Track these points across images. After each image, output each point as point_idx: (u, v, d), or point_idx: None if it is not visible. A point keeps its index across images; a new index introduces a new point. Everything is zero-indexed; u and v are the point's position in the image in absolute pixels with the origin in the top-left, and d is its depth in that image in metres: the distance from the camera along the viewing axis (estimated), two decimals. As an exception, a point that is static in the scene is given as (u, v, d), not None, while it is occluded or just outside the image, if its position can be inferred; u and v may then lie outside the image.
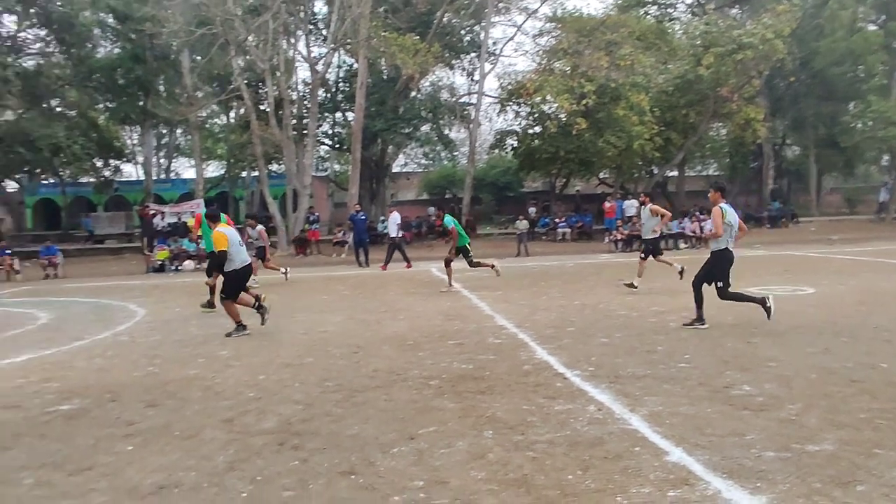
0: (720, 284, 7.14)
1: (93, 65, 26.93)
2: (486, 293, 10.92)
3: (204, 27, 23.04)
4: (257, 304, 8.08)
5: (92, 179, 35.54)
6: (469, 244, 12.13)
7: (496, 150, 33.81)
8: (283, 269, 14.02)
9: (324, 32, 28.15)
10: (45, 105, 28.83)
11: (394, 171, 37.78)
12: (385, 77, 29.00)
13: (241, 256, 8.06)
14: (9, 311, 11.14)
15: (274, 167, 33.66)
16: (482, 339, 7.05)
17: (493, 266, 12.07)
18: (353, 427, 4.28)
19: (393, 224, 17.71)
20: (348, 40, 23.72)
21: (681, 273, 10.24)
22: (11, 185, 39.83)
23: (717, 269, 7.19)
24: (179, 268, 19.08)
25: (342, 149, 33.58)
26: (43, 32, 26.29)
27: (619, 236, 21.21)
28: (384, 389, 5.16)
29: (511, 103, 28.54)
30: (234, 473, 3.59)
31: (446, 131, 32.70)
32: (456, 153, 36.90)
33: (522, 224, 22.02)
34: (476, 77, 30.12)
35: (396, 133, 27.58)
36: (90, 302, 12.08)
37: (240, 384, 5.51)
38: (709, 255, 7.37)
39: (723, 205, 7.17)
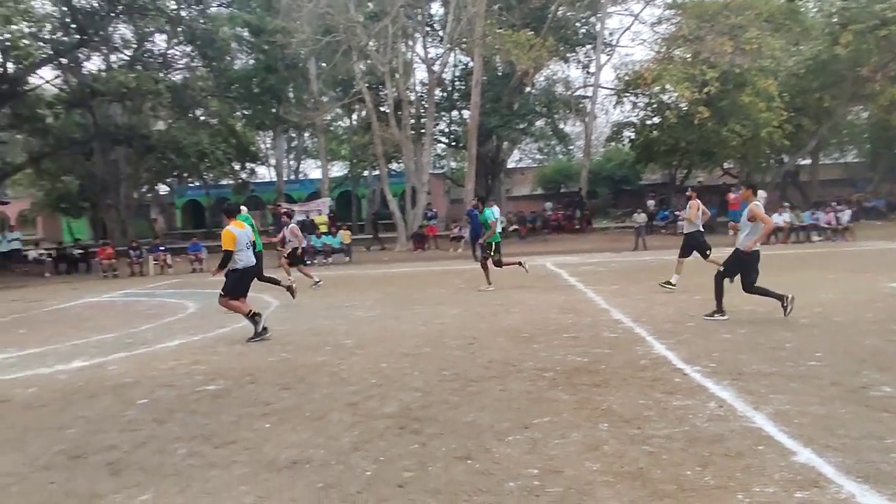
0: (750, 280, 7.19)
1: (231, 76, 29.13)
2: (602, 287, 10.75)
3: (329, 35, 24.28)
4: (251, 314, 7.76)
5: (231, 181, 38.50)
6: (498, 244, 12.09)
7: (613, 143, 32.89)
8: (315, 278, 13.28)
9: (440, 33, 28.72)
10: (191, 115, 31.56)
11: (508, 166, 37.78)
12: (500, 74, 29.10)
13: (245, 257, 7.86)
14: (163, 302, 12.37)
15: (394, 166, 34.77)
16: (597, 333, 6.99)
17: (520, 263, 12.00)
18: (469, 415, 4.42)
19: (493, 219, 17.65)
20: (464, 40, 24.05)
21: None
22: (163, 189, 44.02)
23: (748, 265, 7.23)
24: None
25: (458, 146, 34.09)
26: (188, 49, 28.75)
27: (745, 229, 19.99)
28: (499, 380, 5.27)
29: (628, 94, 27.69)
30: (359, 453, 3.83)
31: (561, 125, 32.32)
32: (571, 147, 36.37)
33: (640, 217, 21.35)
34: (592, 69, 29.54)
35: (511, 129, 27.60)
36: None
37: (363, 371, 5.83)
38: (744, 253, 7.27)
39: (758, 203, 7.19)
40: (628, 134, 29.48)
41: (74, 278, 20.65)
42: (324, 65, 28.59)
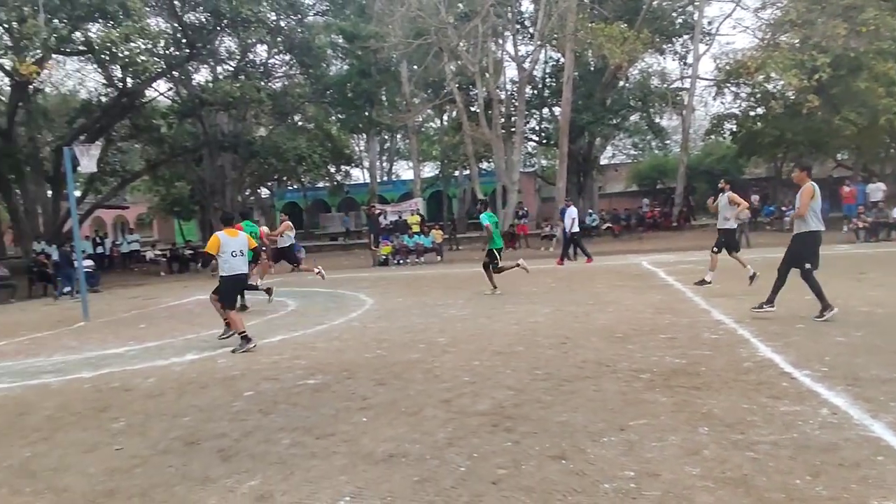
0: (808, 266, 7.01)
1: (327, 82, 30.18)
2: (702, 286, 10.31)
3: (420, 38, 24.67)
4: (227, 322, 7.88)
5: (327, 184, 39.94)
6: (501, 249, 11.78)
7: (712, 136, 31.47)
8: (316, 269, 12.85)
9: (530, 30, 28.51)
10: (289, 121, 32.99)
11: (601, 163, 36.98)
12: (592, 69, 28.53)
13: (231, 265, 7.82)
14: (266, 299, 12.98)
15: (484, 165, 34.88)
16: (697, 334, 6.72)
17: (519, 265, 11.67)
18: (562, 414, 4.38)
19: (569, 218, 17.26)
20: (555, 35, 23.76)
21: (752, 278, 9.42)
22: (265, 192, 46.26)
23: (805, 251, 7.05)
24: (402, 261, 20.68)
25: (549, 144, 33.72)
26: (287, 57, 30.05)
27: (861, 224, 18.58)
28: (593, 380, 5.19)
29: (729, 85, 26.39)
30: (453, 449, 3.88)
31: (657, 119, 31.27)
32: (667, 142, 35.10)
33: (743, 213, 20.26)
34: (689, 60, 28.37)
35: (604, 125, 27.01)
36: (327, 292, 13.64)
37: (456, 368, 5.90)
38: (795, 238, 7.14)
39: (813, 183, 6.93)
40: (729, 126, 28.15)
41: (186, 277, 22.11)
42: (415, 67, 29.09)
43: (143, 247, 29.65)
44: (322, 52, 27.57)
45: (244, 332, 7.57)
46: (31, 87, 23.09)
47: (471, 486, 3.32)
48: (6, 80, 23.83)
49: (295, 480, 3.57)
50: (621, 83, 28.56)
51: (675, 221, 26.52)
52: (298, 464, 3.81)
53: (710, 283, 9.79)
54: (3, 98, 26.67)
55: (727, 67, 25.86)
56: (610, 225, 26.51)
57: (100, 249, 25.71)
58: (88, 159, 12.36)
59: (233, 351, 7.39)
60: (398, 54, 26.57)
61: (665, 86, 29.35)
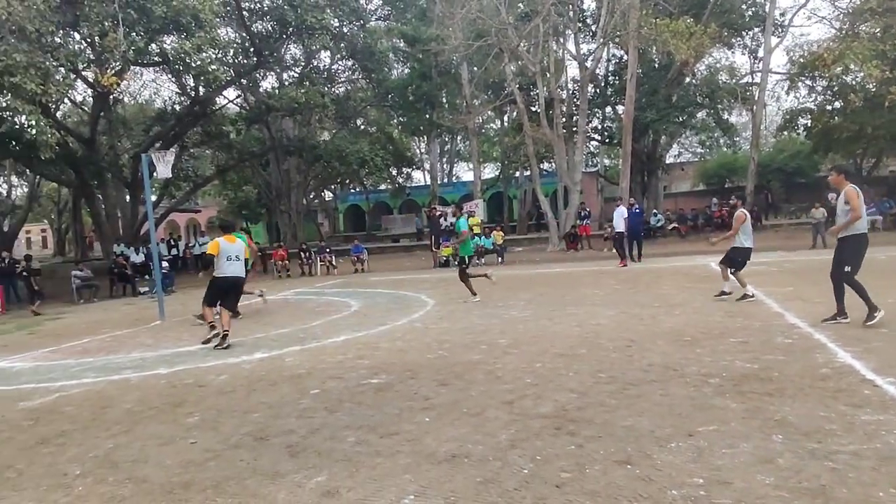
0: (847, 269, 6.75)
1: (388, 86, 30.63)
2: (775, 289, 9.91)
3: (481, 39, 24.69)
4: (212, 324, 8.37)
5: (388, 186, 40.49)
6: (472, 257, 11.44)
7: (785, 133, 30.22)
8: (257, 292, 12.47)
9: (592, 28, 28.10)
10: (352, 125, 33.64)
11: (666, 162, 36.06)
12: (656, 66, 27.90)
13: (226, 269, 8.39)
14: (329, 300, 13.27)
15: (545, 166, 34.58)
16: (769, 338, 6.46)
17: (486, 275, 11.44)
18: (627, 419, 4.30)
19: (619, 218, 16.95)
20: (618, 33, 23.32)
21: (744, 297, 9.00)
22: (328, 195, 47.29)
23: (851, 255, 6.78)
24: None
25: (612, 143, 33.16)
26: (350, 63, 30.68)
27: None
28: (660, 384, 5.06)
29: (803, 78, 25.27)
30: (516, 451, 3.86)
31: (725, 116, 30.25)
32: (736, 139, 33.92)
33: (818, 212, 19.38)
34: (760, 54, 27.32)
35: (669, 122, 26.34)
36: (389, 293, 13.81)
37: (518, 370, 5.87)
38: (841, 242, 6.89)
39: (854, 186, 6.68)
40: (803, 121, 26.99)
41: (254, 278, 22.77)
42: (475, 69, 29.14)
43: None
44: (384, 56, 28.00)
45: (212, 322, 8.44)
46: (111, 97, 24.39)
47: (534, 489, 3.30)
48: (89, 91, 25.25)
49: (360, 478, 3.63)
50: (687, 79, 27.77)
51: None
52: (363, 461, 3.87)
53: (752, 296, 9.32)
54: (87, 109, 28.28)
55: (801, 60, 24.79)
56: (676, 225, 25.81)
57: (174, 251, 26.85)
58: (164, 165, 12.96)
59: (205, 343, 8.33)
60: (458, 56, 26.68)
61: (734, 81, 28.32)
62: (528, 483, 3.38)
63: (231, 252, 8.54)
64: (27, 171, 31.77)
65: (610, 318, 8.40)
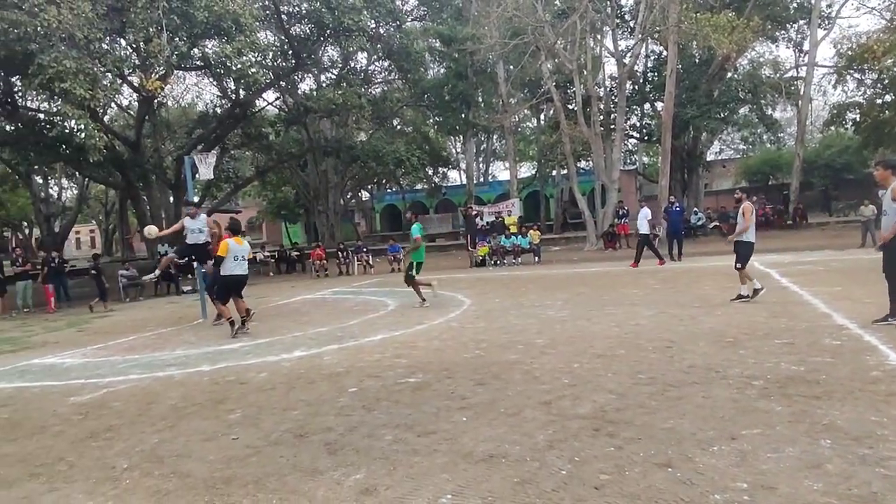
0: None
1: (424, 86, 30.73)
2: (821, 289, 9.62)
3: (517, 37, 24.57)
4: (231, 320, 9.26)
5: (424, 186, 40.63)
6: (421, 263, 11.44)
7: (832, 128, 29.31)
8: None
9: (630, 24, 27.71)
10: (388, 125, 33.85)
11: (707, 159, 35.34)
12: (696, 61, 27.36)
13: (232, 267, 9.29)
14: (367, 299, 13.39)
15: (582, 164, 34.26)
16: (816, 340, 6.27)
17: (430, 284, 11.29)
18: (668, 421, 4.22)
19: (643, 220, 16.80)
20: (657, 28, 22.95)
21: (756, 292, 8.90)
22: (365, 195, 47.69)
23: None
24: (499, 262, 20.68)
25: (651, 140, 32.66)
26: (386, 63, 30.89)
27: None
28: (701, 386, 4.96)
29: (852, 71, 24.51)
30: (554, 452, 3.82)
31: (769, 111, 29.50)
32: (781, 135, 33.06)
33: (868, 210, 18.73)
34: (805, 47, 26.57)
35: (710, 119, 25.80)
36: (426, 292, 13.83)
37: (555, 370, 5.82)
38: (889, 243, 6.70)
39: None
40: (852, 116, 26.16)
41: (292, 277, 23.15)
42: (511, 67, 29.03)
43: (253, 249, 31.35)
44: (420, 56, 28.10)
45: (231, 318, 9.29)
46: (155, 101, 25.03)
47: (572, 491, 3.27)
48: (134, 95, 25.96)
49: (398, 476, 3.65)
50: (729, 74, 27.17)
51: (791, 219, 24.88)
52: (401, 460, 3.89)
53: (746, 296, 9.14)
54: (132, 112, 29.09)
55: (850, 53, 24.03)
56: (717, 224, 25.25)
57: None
58: (206, 167, 13.25)
59: (233, 336, 9.06)
60: (494, 55, 26.59)
61: (778, 75, 27.65)
62: (566, 484, 3.35)
63: (238, 253, 9.40)
64: (77, 173, 32.85)
65: (649, 319, 8.27)
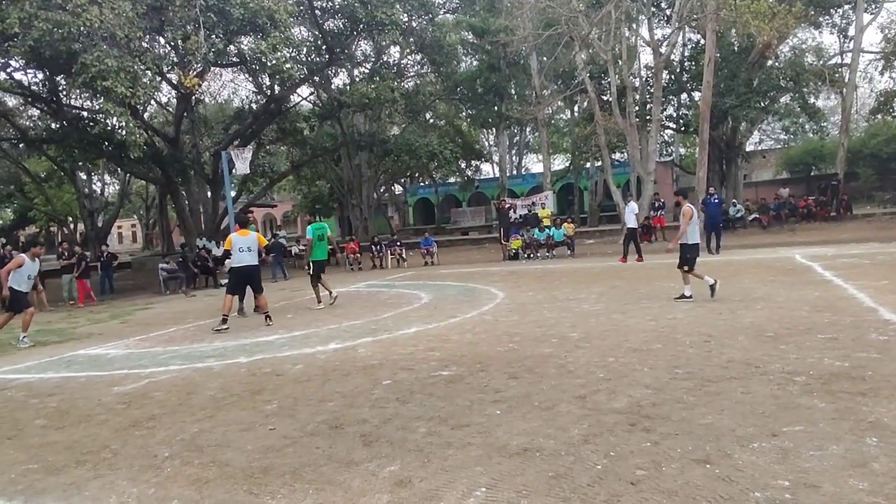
0: None
1: (457, 79, 30.64)
2: (867, 282, 9.33)
3: (550, 28, 24.31)
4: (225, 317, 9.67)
5: (458, 179, 40.59)
6: (324, 262, 11.40)
7: (878, 116, 28.29)
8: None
9: (667, 12, 27.17)
10: (421, 118, 33.86)
11: (747, 149, 34.52)
12: (736, 49, 26.67)
13: (240, 259, 9.68)
14: (401, 292, 13.45)
15: (616, 156, 33.80)
16: (861, 335, 6.09)
17: (331, 293, 11.31)
18: (706, 416, 4.15)
19: (630, 214, 16.86)
20: (694, 16, 22.45)
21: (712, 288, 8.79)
22: (398, 188, 47.87)
23: None
24: (532, 255, 20.56)
25: (688, 131, 32.04)
26: (418, 57, 30.86)
27: None
28: (740, 381, 4.86)
29: (900, 56, 23.59)
30: (589, 446, 3.80)
31: (811, 100, 28.62)
32: (824, 124, 32.05)
33: None
34: (850, 32, 25.70)
35: (750, 108, 25.15)
36: (459, 285, 13.85)
37: (590, 364, 5.77)
38: None
39: None
40: (900, 103, 25.18)
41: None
42: (545, 59, 28.75)
43: (288, 242, 31.75)
44: (452, 49, 27.99)
45: (226, 315, 9.67)
46: (193, 98, 25.47)
47: (608, 486, 3.24)
48: (173, 92, 26.47)
49: (432, 468, 3.66)
50: (769, 62, 26.44)
51: (835, 211, 24.17)
52: (435, 452, 3.91)
53: (690, 296, 9.17)
54: (171, 109, 29.68)
55: (898, 37, 23.16)
56: (757, 216, 24.69)
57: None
58: (242, 162, 13.46)
59: (213, 329, 9.49)
60: (527, 47, 26.36)
61: (821, 62, 26.78)
62: (601, 479, 3.33)
63: (243, 244, 9.78)
64: (118, 169, 33.69)
65: (686, 313, 8.14)
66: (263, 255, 10.99)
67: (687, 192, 11.21)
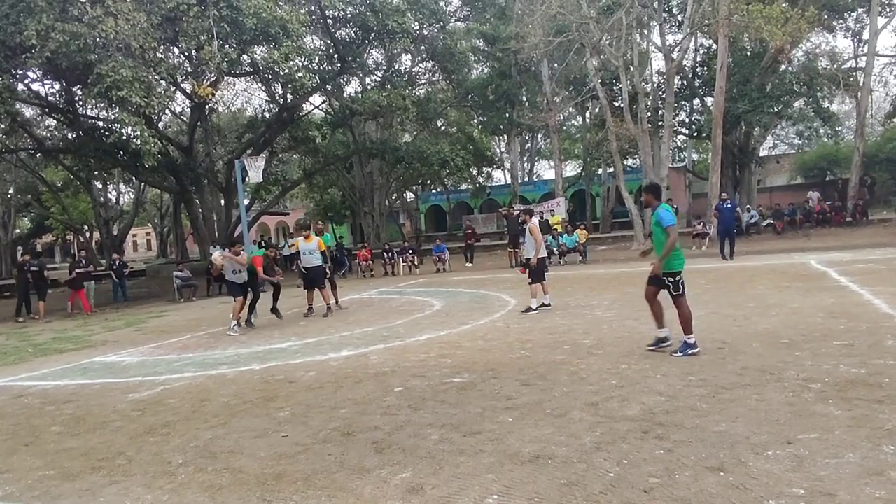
0: None
1: (468, 86, 30.73)
2: (884, 288, 9.22)
3: (561, 35, 24.33)
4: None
5: (469, 186, 40.63)
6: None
7: (894, 120, 28.00)
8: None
9: (679, 18, 27.12)
10: (432, 126, 33.95)
11: (760, 154, 34.29)
12: (748, 54, 26.55)
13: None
14: (412, 299, 13.46)
15: (628, 161, 33.68)
16: (878, 341, 6.02)
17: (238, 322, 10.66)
18: (720, 424, 4.12)
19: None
20: (706, 21, 22.38)
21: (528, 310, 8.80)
22: (410, 196, 48.00)
23: None
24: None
25: (701, 136, 31.88)
26: (430, 64, 31.01)
27: None
28: (755, 388, 4.82)
29: (916, 60, 23.35)
30: (601, 454, 3.78)
31: (825, 104, 28.38)
32: (838, 128, 31.76)
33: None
34: (865, 36, 25.50)
35: (763, 113, 25.00)
36: (471, 292, 13.85)
37: (602, 371, 5.75)
38: None
39: None
40: (916, 107, 24.91)
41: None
42: (556, 65, 28.76)
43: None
44: (463, 56, 28.11)
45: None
46: (207, 107, 25.74)
47: (621, 493, 3.23)
48: (187, 102, 26.76)
49: (444, 475, 3.66)
50: (783, 67, 26.27)
51: (851, 216, 23.93)
52: (447, 459, 3.91)
53: (535, 310, 9.59)
54: (185, 118, 29.99)
55: (912, 41, 22.92)
56: (771, 221, 24.49)
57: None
58: (255, 170, 13.57)
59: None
60: (539, 53, 26.36)
61: (835, 66, 26.57)
62: (614, 487, 3.31)
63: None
64: (133, 178, 34.04)
65: (700, 319, 8.04)
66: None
67: (532, 210, 11.34)
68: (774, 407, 4.37)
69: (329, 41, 25.50)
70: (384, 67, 31.62)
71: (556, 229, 21.70)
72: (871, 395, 4.42)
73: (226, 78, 24.59)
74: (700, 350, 6.10)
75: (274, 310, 11.73)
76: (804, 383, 4.85)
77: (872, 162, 30.31)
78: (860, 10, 25.82)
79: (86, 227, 43.85)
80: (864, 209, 24.33)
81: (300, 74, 19.52)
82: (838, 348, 5.89)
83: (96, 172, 28.79)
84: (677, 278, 6.26)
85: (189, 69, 22.07)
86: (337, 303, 12.35)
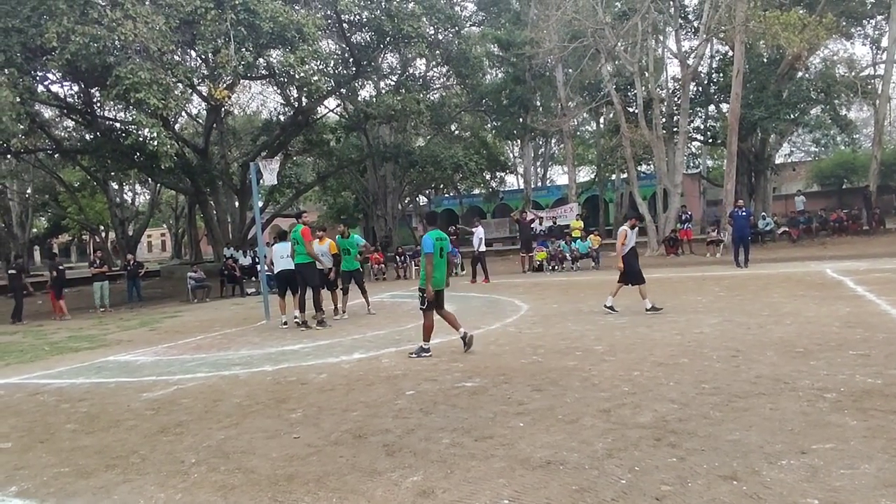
0: None
1: (482, 91, 30.74)
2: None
3: (576, 40, 24.30)
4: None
5: (482, 191, 40.63)
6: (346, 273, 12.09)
7: (914, 127, 27.67)
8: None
9: (695, 24, 27.00)
10: (446, 130, 34.01)
11: (776, 161, 34.00)
12: (765, 60, 26.38)
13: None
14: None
15: (642, 168, 33.55)
16: (895, 351, 5.95)
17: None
18: (733, 432, 4.09)
19: (476, 239, 17.88)
20: (722, 28, 22.27)
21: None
22: (423, 199, 48.06)
23: None
24: (556, 267, 20.46)
25: (716, 143, 31.69)
26: (444, 69, 31.06)
27: None
28: (769, 397, 4.78)
29: (935, 67, 23.08)
30: (613, 461, 3.77)
31: (843, 112, 28.13)
32: (856, 136, 31.47)
33: None
34: (884, 43, 25.28)
35: (779, 120, 24.79)
36: (483, 297, 13.84)
37: (615, 378, 5.72)
38: None
39: None
40: (934, 115, 24.62)
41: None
42: (570, 70, 28.72)
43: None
44: (478, 61, 28.12)
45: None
46: (223, 110, 25.94)
47: (632, 501, 3.21)
48: (203, 104, 26.98)
49: (455, 479, 3.66)
50: (800, 74, 26.08)
51: (868, 224, 23.68)
52: (458, 463, 3.90)
53: (648, 310, 9.59)
54: (201, 121, 30.25)
55: (932, 48, 22.69)
56: (786, 229, 24.28)
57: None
58: (270, 173, 13.63)
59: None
60: (553, 59, 26.37)
61: (853, 74, 26.34)
62: (625, 494, 3.30)
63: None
64: (149, 179, 34.37)
65: (713, 327, 8.03)
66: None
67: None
68: (789, 416, 4.33)
69: (344, 45, 25.63)
70: (399, 71, 31.71)
71: (572, 235, 21.65)
72: (887, 406, 4.37)
73: (241, 81, 24.80)
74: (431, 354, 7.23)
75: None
76: (819, 393, 4.80)
77: (890, 170, 29.97)
78: (879, 18, 25.60)
79: (102, 228, 44.30)
80: (881, 218, 24.07)
81: (315, 78, 19.63)
82: (854, 358, 5.83)
83: (113, 173, 29.08)
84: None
85: (205, 72, 22.25)
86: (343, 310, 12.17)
